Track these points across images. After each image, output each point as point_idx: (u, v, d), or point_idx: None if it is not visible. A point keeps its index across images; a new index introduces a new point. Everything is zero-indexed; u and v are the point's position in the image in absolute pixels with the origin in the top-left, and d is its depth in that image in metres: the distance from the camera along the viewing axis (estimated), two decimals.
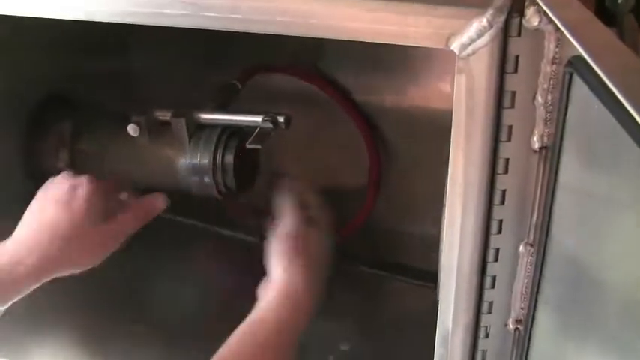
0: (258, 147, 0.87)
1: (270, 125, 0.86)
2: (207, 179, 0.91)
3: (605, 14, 0.79)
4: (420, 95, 1.11)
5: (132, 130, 0.91)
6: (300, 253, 0.82)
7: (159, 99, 0.93)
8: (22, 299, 0.90)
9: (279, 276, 0.80)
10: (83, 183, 0.84)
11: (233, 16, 0.59)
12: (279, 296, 0.78)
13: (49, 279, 0.79)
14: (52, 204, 0.82)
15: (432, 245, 0.91)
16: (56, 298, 1.06)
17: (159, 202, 0.89)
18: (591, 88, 0.47)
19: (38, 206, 0.83)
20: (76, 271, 0.82)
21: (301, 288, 0.79)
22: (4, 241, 0.80)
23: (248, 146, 0.86)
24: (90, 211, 0.82)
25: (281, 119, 0.87)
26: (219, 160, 0.90)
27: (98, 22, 0.66)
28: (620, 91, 0.39)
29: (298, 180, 0.91)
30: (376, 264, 1.08)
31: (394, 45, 0.57)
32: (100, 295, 1.09)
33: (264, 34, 0.60)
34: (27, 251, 0.77)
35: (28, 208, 0.84)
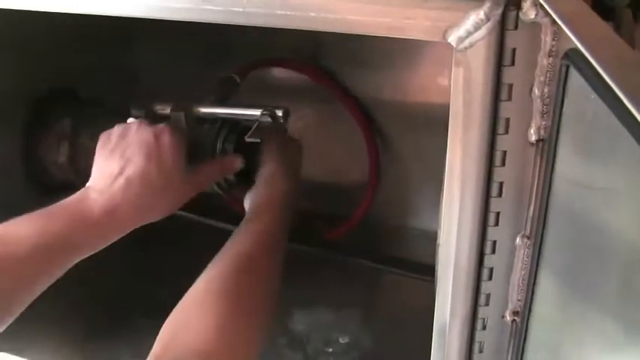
0: (258, 140, 0.87)
1: (269, 119, 0.87)
2: None
3: (603, 8, 0.79)
4: (419, 89, 1.11)
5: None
6: (275, 153, 0.89)
7: (160, 93, 0.93)
8: None
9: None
10: (166, 130, 0.82)
11: (233, 9, 0.60)
12: (259, 184, 0.87)
13: (140, 225, 0.80)
14: (138, 152, 0.80)
15: (431, 239, 0.91)
16: (61, 291, 1.06)
17: (237, 162, 0.90)
18: (587, 80, 0.47)
19: (120, 152, 0.80)
20: (160, 217, 0.82)
21: (276, 170, 0.87)
22: (82, 190, 0.79)
23: (247, 139, 0.87)
24: (177, 160, 0.81)
25: (279, 112, 0.87)
26: (220, 153, 0.90)
27: (100, 18, 0.66)
28: (616, 83, 0.39)
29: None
30: (375, 257, 1.09)
31: (392, 38, 0.57)
32: (105, 288, 1.10)
33: (265, 28, 0.60)
34: (120, 201, 0.77)
35: (101, 151, 0.82)
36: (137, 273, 1.13)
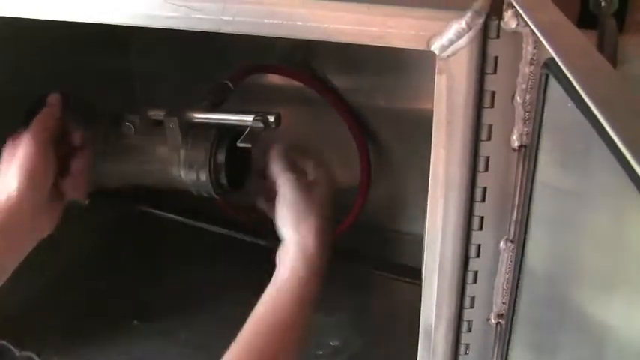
0: (249, 146, 0.88)
1: (261, 124, 0.88)
2: (203, 178, 0.93)
3: (589, 17, 0.81)
4: (411, 95, 1.12)
5: (126, 128, 0.92)
6: (305, 217, 0.82)
7: (156, 99, 0.94)
8: (21, 296, 0.92)
9: (292, 239, 0.81)
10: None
11: (223, 18, 0.61)
12: (294, 259, 0.79)
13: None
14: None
15: (421, 243, 0.92)
16: (52, 296, 1.08)
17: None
18: (565, 89, 0.49)
19: None
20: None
21: (313, 245, 0.80)
22: None
23: (239, 145, 0.88)
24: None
25: (271, 118, 0.88)
26: (213, 158, 0.92)
27: (95, 24, 0.68)
28: (587, 94, 0.40)
29: (290, 145, 0.90)
30: (366, 261, 1.10)
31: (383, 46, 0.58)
32: (99, 290, 1.11)
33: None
34: None
35: None
36: (129, 275, 1.14)
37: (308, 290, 0.78)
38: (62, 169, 0.86)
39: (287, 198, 0.83)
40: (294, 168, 0.86)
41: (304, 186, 0.84)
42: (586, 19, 0.82)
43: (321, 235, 0.80)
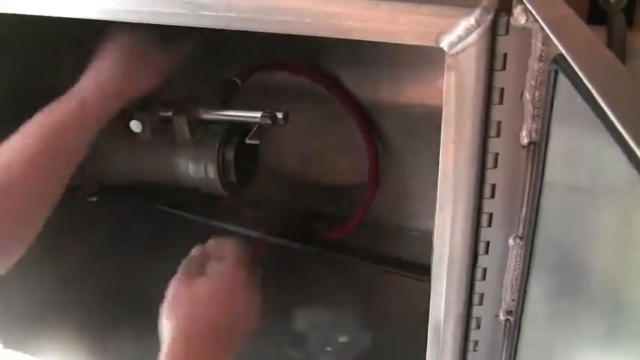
0: (257, 142, 0.88)
1: (269, 121, 0.88)
2: (211, 175, 0.93)
3: (598, 12, 0.80)
4: (420, 92, 1.12)
5: (134, 126, 0.93)
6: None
7: (162, 96, 0.94)
8: (27, 294, 0.92)
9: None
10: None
11: (229, 14, 0.61)
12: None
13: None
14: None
15: (430, 240, 0.92)
16: (61, 292, 1.08)
17: None
18: (574, 85, 0.49)
19: None
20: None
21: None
22: None
23: (247, 141, 0.88)
24: None
25: (280, 115, 0.88)
26: (222, 156, 0.92)
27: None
28: (596, 90, 0.40)
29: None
30: (375, 258, 1.10)
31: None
32: (104, 289, 1.11)
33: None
34: None
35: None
36: (137, 273, 1.14)
37: None
38: None
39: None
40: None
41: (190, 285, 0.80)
42: (595, 15, 0.81)
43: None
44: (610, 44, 0.75)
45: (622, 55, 0.68)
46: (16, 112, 0.78)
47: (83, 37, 0.83)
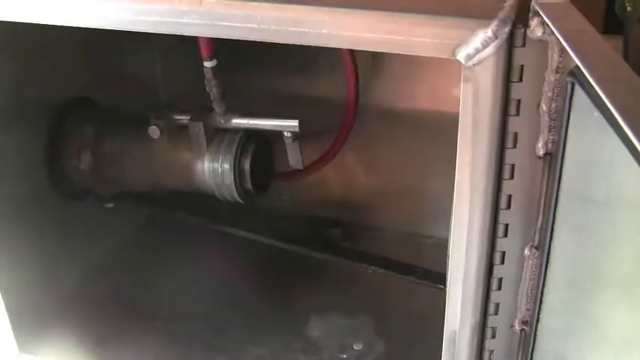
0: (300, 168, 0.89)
1: (292, 139, 0.89)
2: (227, 182, 0.93)
3: (614, 22, 0.80)
4: (436, 99, 1.12)
5: (152, 132, 0.93)
6: None
7: (179, 103, 0.95)
8: (39, 297, 0.92)
9: None
10: None
11: (248, 25, 0.61)
12: None
13: None
14: None
15: (443, 247, 0.92)
16: (71, 295, 1.08)
17: None
18: (591, 97, 0.49)
19: None
20: None
21: None
22: None
23: (292, 166, 0.89)
24: None
25: (294, 123, 0.89)
26: (239, 163, 0.92)
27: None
28: (613, 103, 0.40)
29: None
30: (389, 265, 1.10)
31: None
32: (116, 292, 1.11)
33: None
34: None
35: None
36: (152, 278, 1.14)
37: None
38: None
39: None
40: None
41: None
42: (611, 25, 0.81)
43: None
44: (626, 54, 0.75)
45: (639, 66, 0.68)
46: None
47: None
